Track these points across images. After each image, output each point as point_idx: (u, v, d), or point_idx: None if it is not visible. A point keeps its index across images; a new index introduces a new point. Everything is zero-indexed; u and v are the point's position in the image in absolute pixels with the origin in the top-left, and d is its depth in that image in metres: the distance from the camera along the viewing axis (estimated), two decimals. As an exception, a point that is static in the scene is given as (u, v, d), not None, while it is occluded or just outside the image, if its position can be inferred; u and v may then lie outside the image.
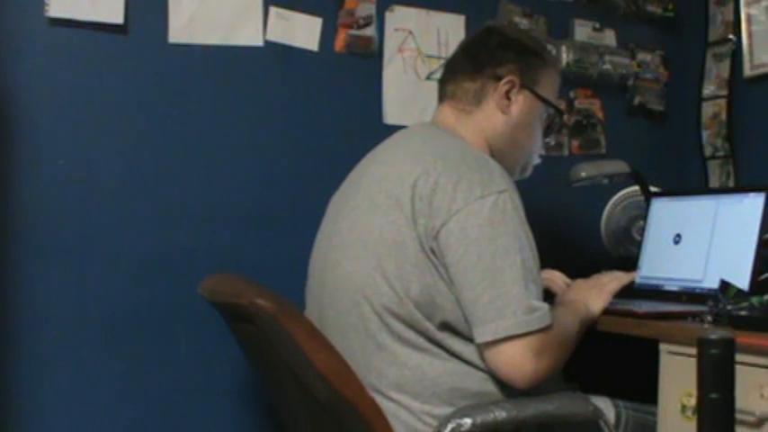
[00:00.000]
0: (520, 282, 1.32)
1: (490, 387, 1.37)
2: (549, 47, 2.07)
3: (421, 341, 1.36)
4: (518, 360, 1.31)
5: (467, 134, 1.54)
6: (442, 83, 1.63)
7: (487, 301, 1.31)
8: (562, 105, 1.88)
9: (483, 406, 1.31)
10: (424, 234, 1.34)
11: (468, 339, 1.36)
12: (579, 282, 1.65)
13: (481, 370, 1.37)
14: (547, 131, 1.66)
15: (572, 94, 2.25)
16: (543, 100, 1.60)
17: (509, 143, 1.57)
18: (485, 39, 1.62)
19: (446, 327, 1.36)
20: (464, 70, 1.58)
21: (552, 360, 1.35)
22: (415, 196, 1.36)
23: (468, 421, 1.28)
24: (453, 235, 1.33)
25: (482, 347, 1.34)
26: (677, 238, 1.79)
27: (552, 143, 2.16)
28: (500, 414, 1.29)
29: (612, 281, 1.60)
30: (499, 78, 1.55)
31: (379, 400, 1.34)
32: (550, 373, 1.36)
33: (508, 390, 1.36)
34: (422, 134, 1.55)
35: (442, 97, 1.62)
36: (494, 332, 1.31)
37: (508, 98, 1.56)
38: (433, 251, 1.34)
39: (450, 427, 1.28)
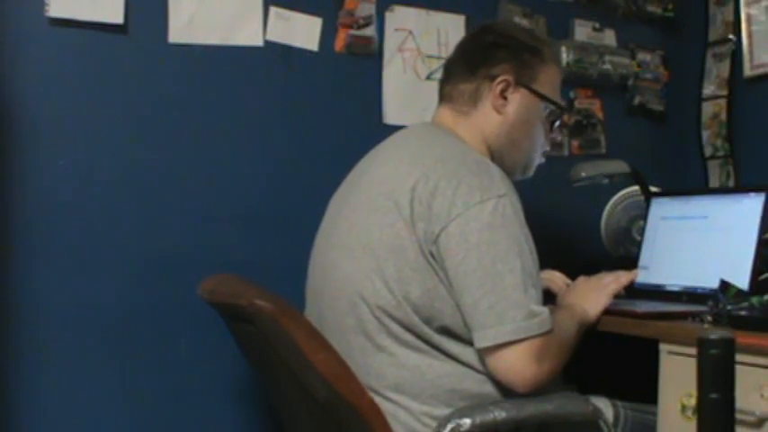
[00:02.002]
0: (519, 286, 1.32)
1: (489, 388, 1.37)
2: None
3: (419, 343, 1.36)
4: (518, 365, 1.31)
5: (465, 135, 1.53)
6: (441, 84, 1.62)
7: (487, 306, 1.31)
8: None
9: (482, 406, 1.31)
10: (423, 238, 1.34)
11: (467, 342, 1.36)
12: (580, 281, 1.63)
13: (479, 372, 1.37)
14: (551, 128, 1.64)
15: (572, 94, 2.25)
16: (541, 97, 1.58)
17: (507, 143, 1.56)
18: (479, 38, 1.61)
19: (444, 330, 1.36)
20: (460, 72, 1.58)
21: (552, 364, 1.35)
22: (414, 199, 1.35)
23: (467, 421, 1.28)
24: (453, 239, 1.32)
25: (482, 352, 1.34)
26: (677, 239, 1.78)
27: (558, 138, 2.15)
28: (499, 414, 1.29)
29: (613, 282, 1.59)
30: (493, 78, 1.54)
31: (378, 400, 1.34)
32: (550, 377, 1.36)
33: (507, 391, 1.36)
34: (421, 135, 1.54)
35: (441, 99, 1.61)
36: (494, 338, 1.31)
37: (504, 98, 1.54)
38: (432, 255, 1.34)
39: (449, 427, 1.28)
